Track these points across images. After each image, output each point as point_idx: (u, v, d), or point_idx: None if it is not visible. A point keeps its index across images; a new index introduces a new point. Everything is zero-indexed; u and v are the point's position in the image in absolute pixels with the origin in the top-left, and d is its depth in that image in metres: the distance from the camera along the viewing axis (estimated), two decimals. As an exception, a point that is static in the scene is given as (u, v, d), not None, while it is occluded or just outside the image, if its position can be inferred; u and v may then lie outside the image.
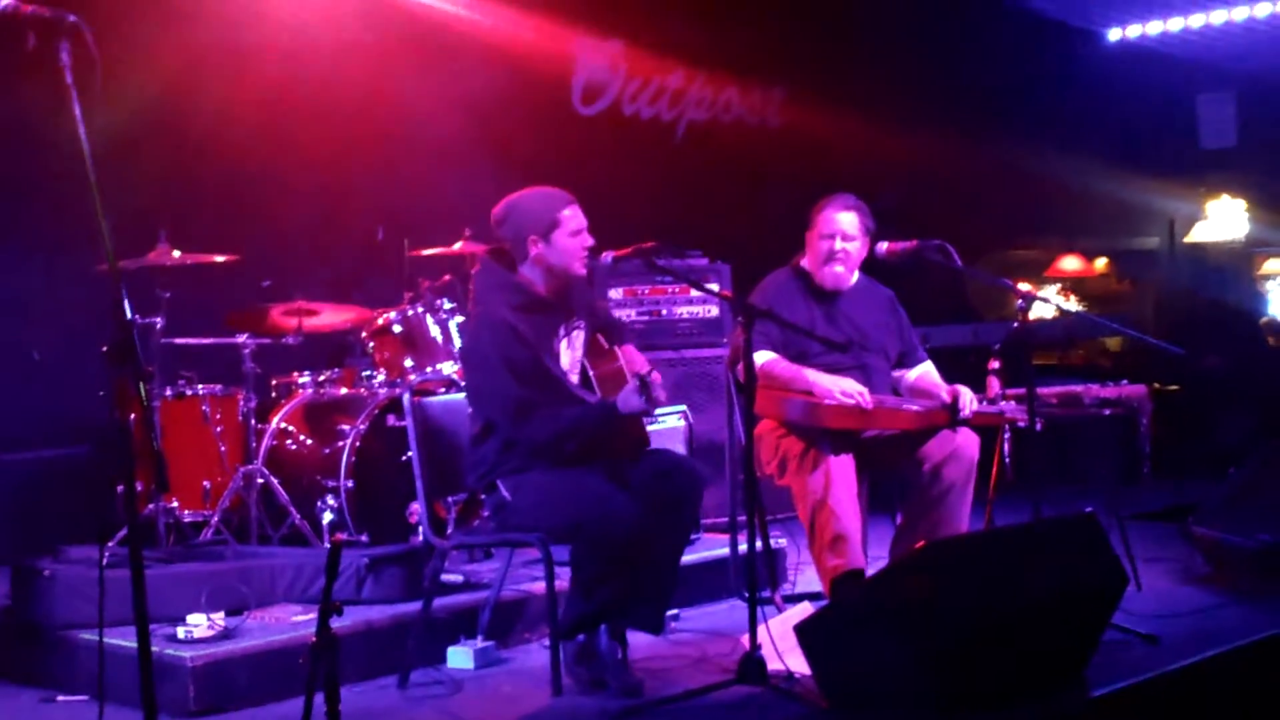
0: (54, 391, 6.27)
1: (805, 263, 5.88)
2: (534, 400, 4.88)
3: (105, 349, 3.25)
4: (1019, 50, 11.38)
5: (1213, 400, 9.91)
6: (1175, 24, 11.74)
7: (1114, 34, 12.14)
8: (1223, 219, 12.86)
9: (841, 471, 5.43)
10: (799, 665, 4.69)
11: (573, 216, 5.05)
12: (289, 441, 6.61)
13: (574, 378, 5.12)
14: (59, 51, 3.23)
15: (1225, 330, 10.93)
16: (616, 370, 5.21)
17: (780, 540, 6.40)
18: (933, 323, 8.58)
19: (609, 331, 5.37)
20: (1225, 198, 12.82)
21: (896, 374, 5.92)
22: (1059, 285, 12.79)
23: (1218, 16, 11.38)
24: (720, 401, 6.87)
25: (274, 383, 6.85)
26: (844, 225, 5.76)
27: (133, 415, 3.47)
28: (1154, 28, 11.92)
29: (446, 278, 6.91)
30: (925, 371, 5.95)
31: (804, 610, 5.27)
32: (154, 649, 4.64)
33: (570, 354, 5.14)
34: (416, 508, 5.39)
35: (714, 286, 6.98)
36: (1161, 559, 6.69)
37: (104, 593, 3.72)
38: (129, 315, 3.29)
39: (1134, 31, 12.04)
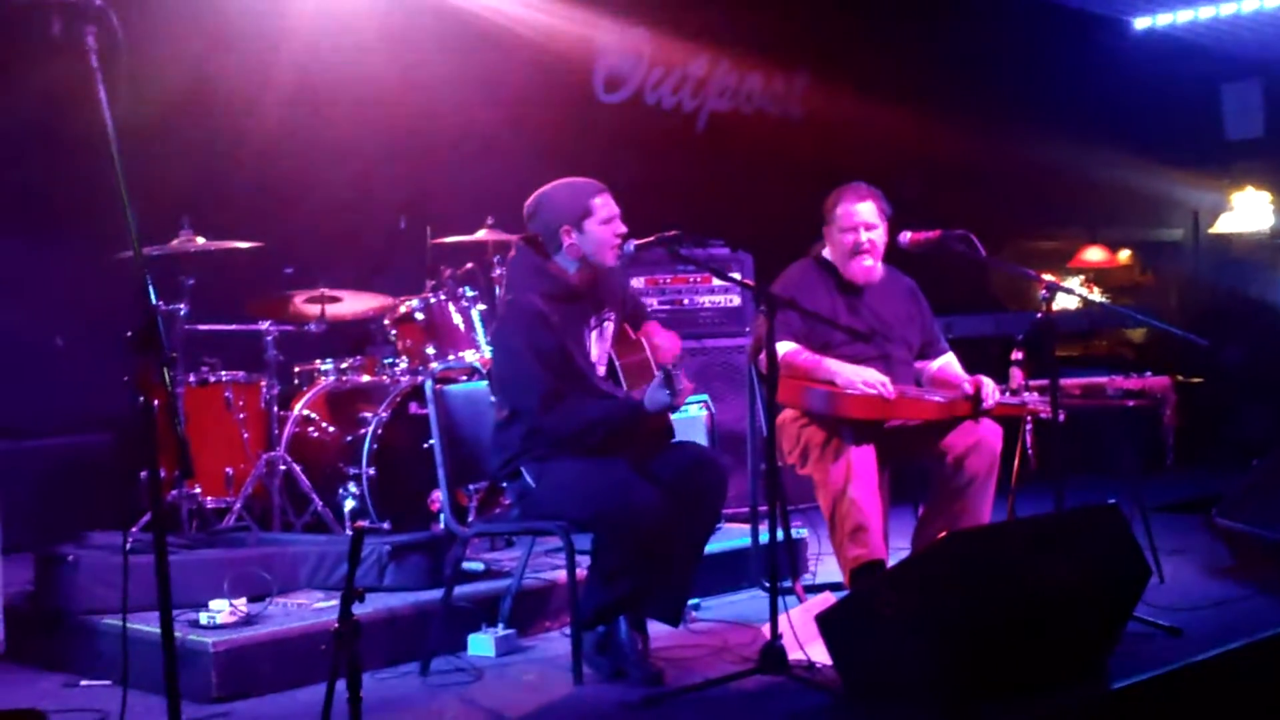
0: (77, 378, 6.29)
1: (827, 254, 5.86)
2: (561, 390, 4.88)
3: (129, 334, 3.26)
4: (1043, 39, 11.33)
5: (1235, 392, 9.87)
6: (1204, 13, 11.66)
7: (1140, 23, 12.07)
8: (1248, 210, 12.78)
9: (863, 462, 5.42)
10: (820, 655, 4.69)
11: (604, 204, 5.05)
12: (311, 429, 6.62)
13: (601, 369, 5.12)
14: (84, 36, 3.24)
15: (1247, 322, 10.88)
16: (643, 361, 5.21)
17: (801, 530, 6.40)
18: (955, 313, 8.55)
19: (634, 316, 5.37)
20: (1250, 189, 12.75)
21: (919, 365, 5.90)
22: (1082, 276, 12.73)
23: (1248, 5, 11.30)
24: (742, 391, 6.85)
25: (296, 370, 6.87)
26: (865, 215, 5.73)
27: (156, 401, 3.47)
28: (1181, 16, 11.84)
29: (469, 265, 6.92)
30: (947, 362, 5.93)
31: (825, 600, 5.26)
32: (177, 635, 4.67)
33: (600, 345, 5.13)
34: (438, 495, 5.39)
35: (736, 275, 6.97)
36: (1185, 551, 6.67)
37: (128, 578, 3.74)
38: (153, 301, 3.29)
39: (1160, 20, 11.97)
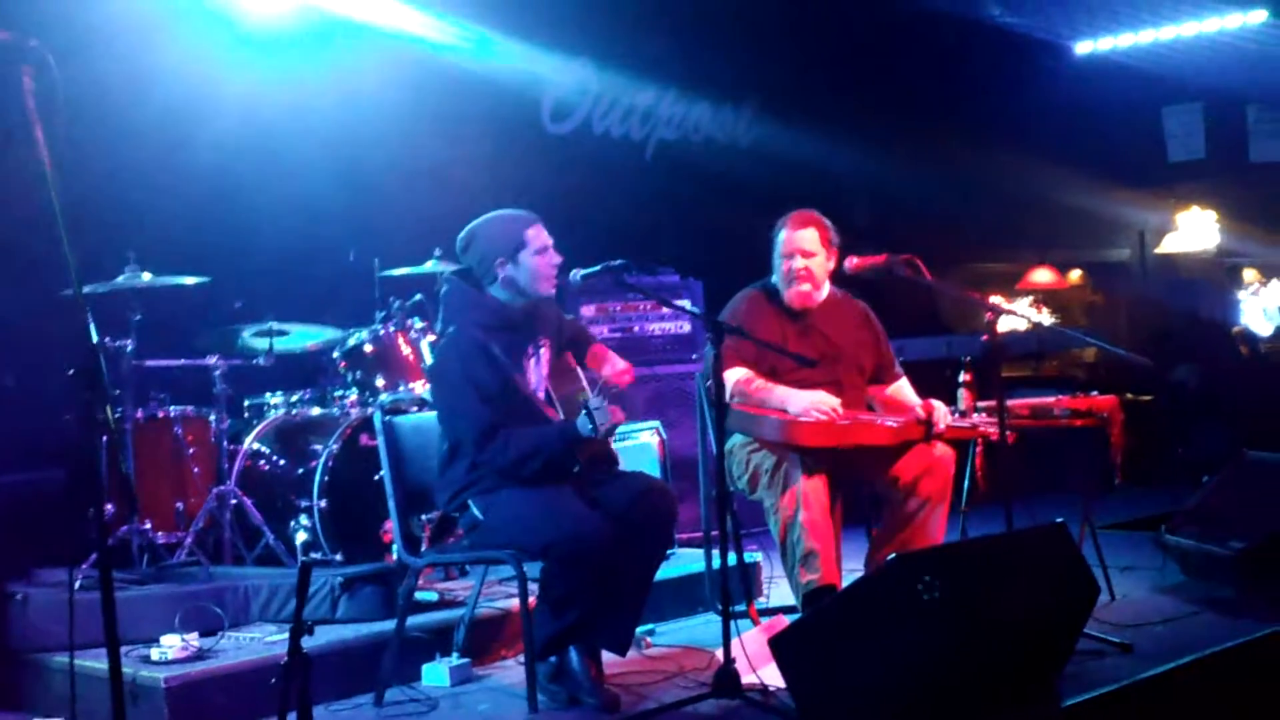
0: (26, 415, 6.24)
1: (775, 280, 5.89)
2: (497, 422, 4.88)
3: (70, 372, 3.26)
4: (987, 64, 11.42)
5: (1185, 411, 9.95)
6: (1144, 37, 11.80)
7: (1081, 47, 12.20)
8: (1193, 230, 12.91)
9: (814, 487, 5.44)
10: (773, 678, 4.70)
11: (538, 235, 5.06)
12: (262, 462, 6.60)
13: (540, 396, 5.13)
14: (21, 77, 3.24)
15: (1198, 341, 10.97)
16: (577, 391, 5.24)
17: (755, 554, 6.42)
18: (907, 335, 8.61)
19: (576, 342, 5.38)
20: (1195, 209, 12.88)
21: (872, 390, 5.93)
22: (1032, 297, 12.81)
23: (1188, 29, 11.44)
24: (694, 417, 6.87)
25: (246, 404, 6.85)
26: (803, 243, 5.77)
27: (105, 438, 3.47)
28: (1121, 41, 11.98)
29: (418, 297, 6.91)
30: (899, 387, 5.96)
31: (778, 623, 5.28)
32: (129, 670, 4.67)
33: (536, 373, 5.15)
34: (390, 526, 5.39)
35: (685, 303, 7.02)
36: (1135, 568, 6.73)
37: (74, 615, 3.72)
38: (94, 339, 3.29)
39: (1101, 45, 12.10)
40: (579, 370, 5.32)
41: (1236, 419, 9.36)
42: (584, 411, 4.83)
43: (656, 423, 6.76)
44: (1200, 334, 11.14)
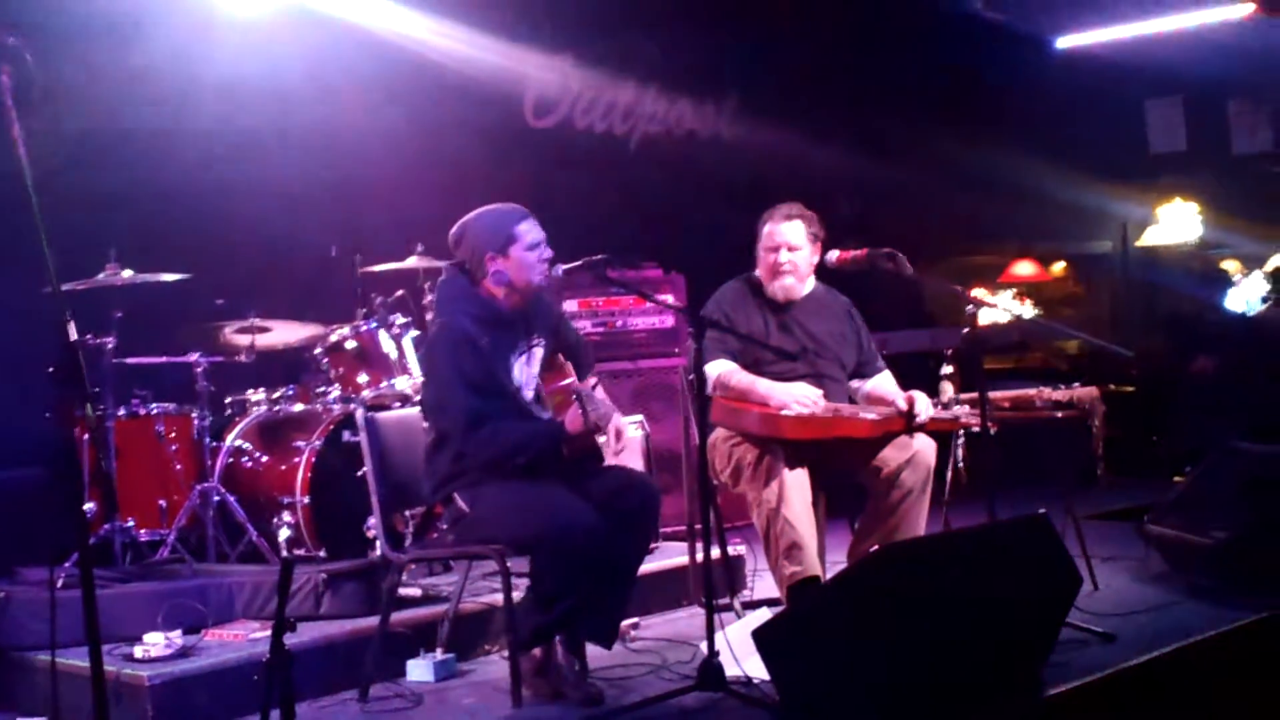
0: (6, 413, 6.22)
1: (759, 273, 5.90)
2: (486, 413, 4.88)
3: (50, 370, 3.25)
4: (969, 57, 11.44)
5: (1205, 403, 9.90)
6: (1125, 30, 11.81)
7: (1063, 41, 12.22)
8: (1175, 222, 12.94)
9: (796, 480, 5.45)
10: (757, 670, 4.71)
11: (529, 230, 5.06)
12: (244, 459, 6.59)
13: (528, 394, 5.13)
14: (-2, 74, 3.24)
15: (1217, 331, 10.94)
16: (567, 389, 5.23)
17: (739, 547, 6.42)
18: (891, 328, 8.62)
19: (575, 356, 5.38)
20: (1177, 201, 12.90)
21: (855, 384, 5.94)
22: (1015, 289, 12.83)
23: (1170, 22, 11.46)
24: (678, 411, 6.88)
25: (228, 400, 6.83)
26: (787, 236, 5.79)
27: (86, 435, 3.47)
28: (1103, 34, 11.99)
29: (399, 293, 6.91)
30: (881, 380, 5.97)
31: (762, 616, 5.29)
32: (112, 668, 4.67)
33: (526, 370, 5.14)
34: (374, 522, 5.38)
35: (668, 298, 7.01)
36: (1118, 558, 6.75)
37: (56, 614, 3.72)
38: (73, 336, 3.29)
39: (1083, 38, 12.11)
40: (569, 365, 5.31)
41: (1254, 410, 9.33)
42: (576, 400, 4.83)
43: (639, 417, 6.76)
44: (1218, 322, 11.10)
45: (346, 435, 6.31)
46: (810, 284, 5.92)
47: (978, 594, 4.48)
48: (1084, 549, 6.08)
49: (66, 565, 5.58)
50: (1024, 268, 12.87)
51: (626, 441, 5.10)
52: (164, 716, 4.75)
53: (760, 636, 4.55)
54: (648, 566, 5.30)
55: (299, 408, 6.69)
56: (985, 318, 5.81)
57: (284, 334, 6.89)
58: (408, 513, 5.94)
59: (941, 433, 5.79)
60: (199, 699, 4.85)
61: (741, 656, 4.83)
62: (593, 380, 5.25)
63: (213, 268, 6.74)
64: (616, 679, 5.08)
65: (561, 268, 5.12)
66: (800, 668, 4.48)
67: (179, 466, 6.42)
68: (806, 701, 4.48)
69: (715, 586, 4.84)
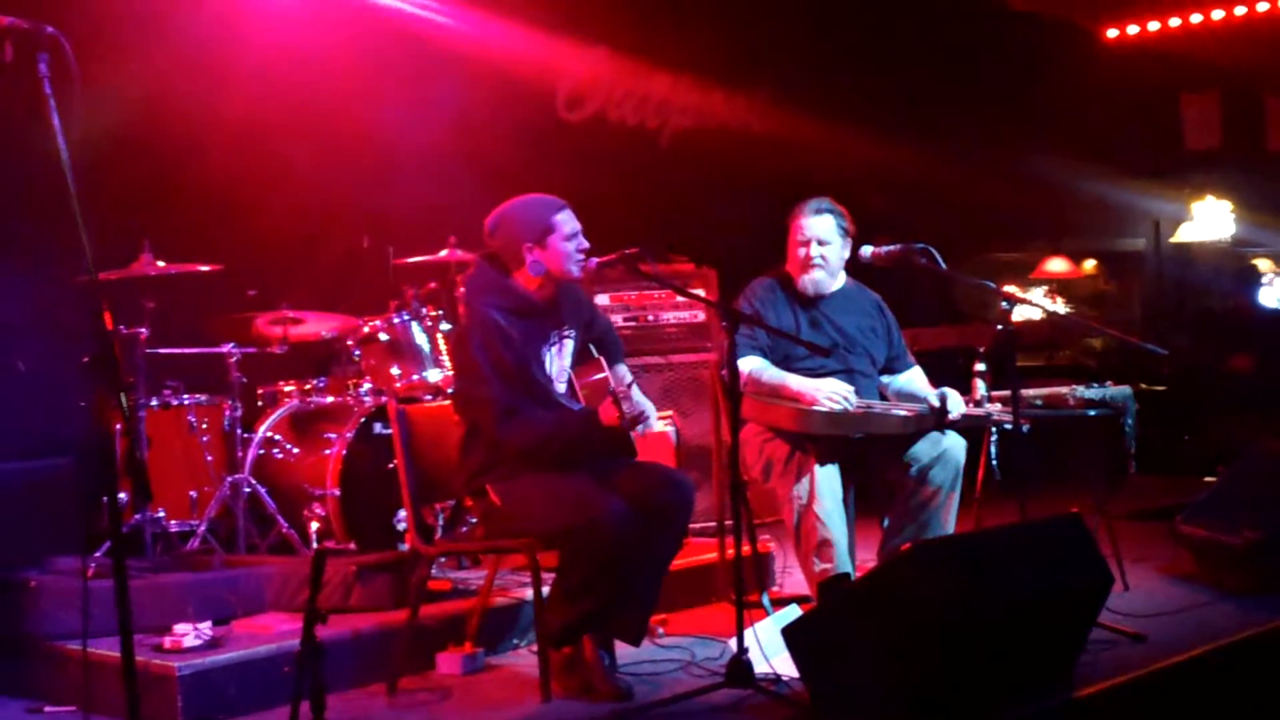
0: (39, 403, 6.25)
1: (789, 267, 5.89)
2: (517, 403, 4.88)
3: (85, 360, 3.26)
4: (1003, 51, 11.40)
5: (1239, 402, 9.85)
6: (1162, 23, 11.74)
7: (1110, 32, 12.14)
8: (1208, 219, 12.88)
9: (827, 476, 5.44)
10: (786, 668, 4.69)
11: (567, 220, 5.05)
12: (275, 450, 6.60)
13: (560, 386, 5.12)
14: (37, 63, 3.24)
15: (1256, 329, 10.89)
16: (601, 383, 5.22)
17: (769, 543, 6.41)
18: (922, 324, 8.60)
19: (606, 348, 5.36)
20: (1210, 198, 12.84)
21: (885, 379, 5.93)
22: (1046, 287, 12.80)
23: (1213, 14, 11.38)
24: (708, 406, 6.87)
25: (260, 392, 6.84)
26: (817, 230, 5.77)
27: (118, 425, 3.47)
28: (1140, 27, 11.92)
29: (432, 285, 6.91)
30: (913, 376, 5.95)
31: (792, 613, 5.27)
32: (142, 659, 4.67)
33: (558, 362, 5.13)
34: (404, 515, 5.39)
35: (700, 292, 6.99)
36: (1149, 558, 6.72)
37: (88, 603, 3.72)
38: (109, 326, 3.29)
39: (1120, 31, 12.05)
40: (602, 360, 5.30)
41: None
42: (611, 398, 4.82)
43: (670, 412, 6.74)
44: (1253, 320, 11.05)
45: (378, 428, 6.32)
46: (841, 279, 5.90)
47: (1010, 593, 4.46)
48: (1115, 548, 6.05)
49: (97, 555, 5.61)
50: (1055, 264, 12.82)
51: (651, 426, 5.06)
52: (193, 707, 4.75)
53: (790, 634, 4.55)
54: (677, 562, 5.28)
55: (330, 400, 6.70)
56: (1019, 315, 5.78)
57: (316, 326, 6.91)
58: (437, 506, 5.95)
59: (974, 431, 5.77)
60: (228, 690, 4.85)
61: (771, 653, 4.82)
62: (629, 378, 5.22)
63: (245, 259, 6.77)
64: (645, 674, 5.07)
65: (595, 261, 5.10)
66: (830, 665, 4.47)
67: (210, 457, 6.43)
68: (835, 699, 4.47)
69: (744, 583, 4.83)
